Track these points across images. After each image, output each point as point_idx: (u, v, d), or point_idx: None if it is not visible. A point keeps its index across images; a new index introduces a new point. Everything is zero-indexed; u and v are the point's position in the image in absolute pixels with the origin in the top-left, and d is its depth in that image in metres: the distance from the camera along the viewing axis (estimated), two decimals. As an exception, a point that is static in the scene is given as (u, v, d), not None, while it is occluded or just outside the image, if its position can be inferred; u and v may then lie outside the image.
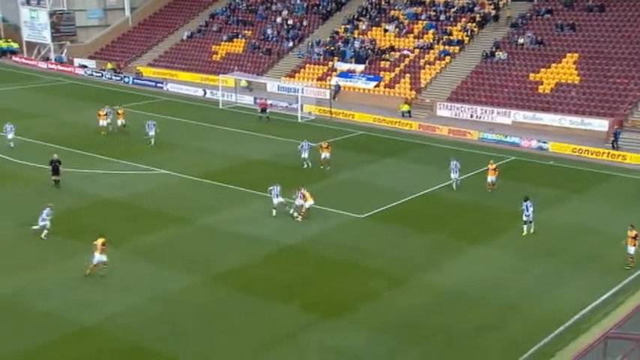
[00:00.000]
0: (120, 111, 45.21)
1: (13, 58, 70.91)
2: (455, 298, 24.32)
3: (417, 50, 58.97)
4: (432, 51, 58.34)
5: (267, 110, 49.62)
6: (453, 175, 35.11)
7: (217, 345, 21.09)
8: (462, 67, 56.09)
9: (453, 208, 33.14)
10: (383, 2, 65.77)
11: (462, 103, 52.06)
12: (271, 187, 31.27)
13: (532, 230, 29.64)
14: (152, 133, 40.63)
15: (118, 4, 75.06)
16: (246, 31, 67.65)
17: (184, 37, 69.46)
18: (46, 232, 27.80)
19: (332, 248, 28.28)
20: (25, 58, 70.28)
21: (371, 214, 31.97)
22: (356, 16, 65.25)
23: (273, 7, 70.18)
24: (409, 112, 51.96)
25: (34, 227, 27.60)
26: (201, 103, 55.49)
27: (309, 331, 21.96)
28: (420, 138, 46.83)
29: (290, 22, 67.38)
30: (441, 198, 34.67)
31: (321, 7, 68.27)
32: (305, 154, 38.32)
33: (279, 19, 68.11)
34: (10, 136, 40.39)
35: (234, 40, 66.91)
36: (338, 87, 57.04)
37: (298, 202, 31.04)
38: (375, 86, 56.82)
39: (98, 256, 24.69)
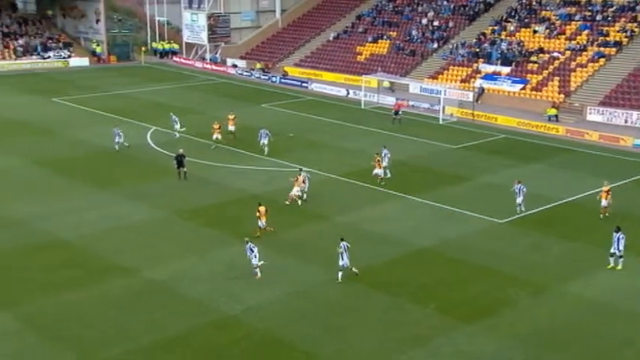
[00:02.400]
0: (231, 116, 43.21)
1: (174, 58, 75.46)
2: (599, 310, 23.08)
3: (568, 52, 56.27)
4: (584, 53, 55.44)
5: (401, 112, 49.22)
6: (518, 200, 31.28)
7: (352, 342, 21.25)
8: (618, 69, 52.85)
9: (598, 216, 31.29)
10: (534, 3, 63.38)
11: (616, 108, 49.04)
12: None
13: (619, 266, 26.03)
14: (265, 141, 39.63)
15: (270, 7, 77.70)
16: (391, 33, 67.66)
17: (330, 38, 70.62)
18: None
19: (470, 252, 27.65)
20: (184, 58, 74.51)
21: (511, 220, 30.93)
22: (504, 17, 63.34)
23: (419, 9, 69.69)
24: (556, 116, 49.73)
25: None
26: (344, 102, 56.17)
27: (444, 335, 21.62)
28: (567, 143, 44.67)
29: (436, 23, 66.60)
30: (586, 206, 32.87)
31: (468, 8, 66.93)
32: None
33: (424, 21, 67.52)
34: (177, 126, 43.43)
35: (379, 41, 67.12)
36: (482, 89, 55.65)
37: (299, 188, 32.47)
38: (521, 89, 54.86)
39: (261, 222, 27.88)
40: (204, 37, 73.09)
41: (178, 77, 65.91)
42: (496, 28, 62.39)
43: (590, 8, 59.73)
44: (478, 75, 57.74)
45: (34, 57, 69.03)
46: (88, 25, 74.36)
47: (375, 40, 67.30)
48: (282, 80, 64.25)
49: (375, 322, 22.38)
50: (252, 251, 24.78)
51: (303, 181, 32.61)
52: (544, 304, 23.67)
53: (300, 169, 33.66)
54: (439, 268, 26.34)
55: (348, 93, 58.63)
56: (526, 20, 61.71)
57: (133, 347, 20.81)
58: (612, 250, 26.20)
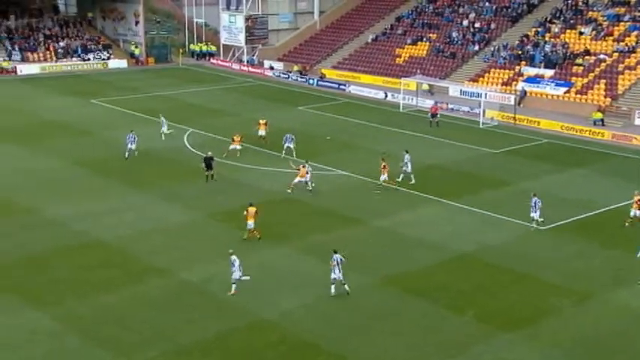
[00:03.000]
0: (262, 121, 42.87)
1: (211, 60, 76.31)
2: (645, 321, 22.59)
3: (615, 54, 55.27)
4: (633, 55, 54.39)
5: (438, 115, 48.91)
6: (533, 214, 29.92)
7: (387, 348, 21.22)
8: (668, 72, 51.77)
9: (624, 224, 30.61)
10: (580, 3, 62.42)
11: (665, 112, 48.00)
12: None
13: None
14: (291, 145, 39.31)
15: (308, 8, 77.99)
16: (430, 34, 67.34)
17: (369, 40, 70.58)
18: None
19: (510, 259, 27.37)
20: (221, 60, 75.29)
21: (553, 226, 30.52)
22: (548, 19, 62.51)
23: (460, 10, 69.20)
24: (602, 120, 48.89)
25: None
26: (382, 105, 56.07)
27: (483, 343, 21.44)
28: (614, 148, 43.88)
29: (477, 24, 66.08)
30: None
31: (510, 10, 66.24)
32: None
33: (465, 22, 67.04)
34: (164, 128, 43.58)
35: (419, 43, 66.86)
36: (524, 92, 54.99)
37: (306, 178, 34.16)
38: (565, 92, 54.07)
39: (250, 223, 28.03)
40: (241, 38, 73.75)
41: (215, 79, 66.62)
42: (540, 29, 61.62)
43: (639, 8, 58.59)
44: (520, 78, 57.08)
45: (74, 59, 70.52)
46: (127, 27, 75.67)
47: (414, 42, 67.06)
48: (320, 83, 64.44)
49: (412, 328, 22.30)
50: (233, 265, 23.96)
51: (307, 173, 34.16)
52: (587, 313, 23.32)
53: (306, 162, 35.36)
54: (478, 274, 26.12)
55: (386, 96, 58.52)
56: (571, 21, 60.81)
57: (170, 348, 21.10)
58: None
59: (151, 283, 25.06)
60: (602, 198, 34.05)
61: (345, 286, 24.13)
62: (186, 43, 79.16)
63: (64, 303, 23.17)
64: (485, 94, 52.17)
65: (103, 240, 28.63)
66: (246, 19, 72.87)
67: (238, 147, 39.75)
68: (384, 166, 34.39)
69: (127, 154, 38.89)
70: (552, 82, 55.26)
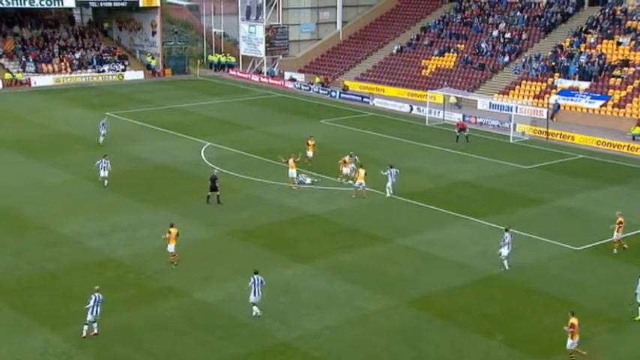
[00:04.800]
0: (311, 142, 42.03)
1: (230, 71, 76.95)
2: (686, 351, 22.19)
3: (655, 65, 54.84)
4: (673, 66, 53.93)
5: (467, 130, 48.49)
6: (504, 252, 28.00)
7: (411, 373, 21.09)
8: None
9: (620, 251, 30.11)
10: (618, 12, 62.04)
11: None
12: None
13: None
14: (307, 181, 38.22)
15: (331, 18, 78.38)
16: (458, 45, 67.35)
17: (394, 51, 70.75)
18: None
19: (542, 281, 27.12)
20: (240, 72, 75.89)
21: (589, 247, 30.21)
22: (584, 28, 62.21)
23: (490, 20, 69.15)
24: (641, 135, 48.45)
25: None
26: (408, 119, 56.04)
27: (512, 370, 21.22)
28: (653, 165, 43.41)
29: (507, 35, 65.96)
30: (674, 234, 31.83)
31: (543, 19, 66.03)
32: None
33: (495, 32, 66.96)
34: (103, 132, 45.84)
35: (446, 54, 66.88)
36: (557, 106, 54.69)
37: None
38: (602, 106, 53.67)
39: (172, 246, 27.78)
40: (261, 49, 74.31)
41: (234, 91, 67.13)
42: (575, 39, 61.31)
43: (680, 18, 58.20)
44: (553, 90, 56.79)
45: (89, 70, 71.53)
46: (143, 37, 76.62)
47: (441, 54, 67.07)
48: (343, 95, 64.63)
49: (439, 353, 22.14)
50: (93, 303, 22.63)
51: (352, 163, 36.91)
52: (623, 341, 22.99)
53: (350, 154, 37.86)
54: (508, 297, 25.90)
55: (412, 109, 58.50)
56: (609, 31, 60.45)
57: (183, 371, 21.15)
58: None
59: (165, 302, 25.18)
60: (640, 217, 33.64)
61: (256, 308, 23.94)
62: (205, 54, 79.96)
63: (76, 323, 23.35)
64: (516, 108, 51.97)
65: (117, 258, 28.86)
66: (266, 30, 73.44)
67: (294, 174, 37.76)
68: (344, 161, 37.92)
69: (105, 182, 37.30)
70: (588, 94, 54.90)
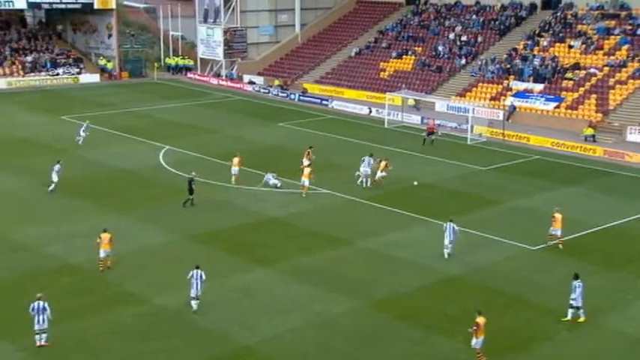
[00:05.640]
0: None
1: (188, 74, 76.31)
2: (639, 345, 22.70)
3: (606, 68, 56.09)
4: (624, 69, 55.23)
5: (435, 134, 48.96)
6: (446, 241, 29.31)
7: (374, 375, 21.14)
8: (660, 86, 52.58)
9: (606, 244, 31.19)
10: (569, 16, 63.30)
11: (658, 128, 48.66)
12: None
13: (580, 318, 24.24)
14: (276, 181, 38.32)
15: (289, 21, 78.35)
16: (416, 48, 67.93)
17: (352, 54, 71.04)
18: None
19: (501, 281, 27.47)
20: (199, 75, 75.33)
21: (546, 247, 30.67)
22: (537, 32, 63.33)
23: (447, 23, 69.91)
24: (593, 136, 49.48)
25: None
26: (367, 121, 56.31)
27: (473, 370, 21.41)
28: (606, 165, 44.36)
29: (464, 38, 66.77)
30: (627, 233, 32.57)
31: (498, 22, 67.03)
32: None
33: (452, 35, 67.72)
34: (83, 134, 46.35)
35: (404, 57, 67.40)
36: (513, 107, 55.55)
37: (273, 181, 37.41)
38: (555, 107, 54.68)
39: (103, 251, 27.44)
40: (219, 52, 73.90)
41: (192, 94, 66.60)
42: (528, 43, 62.37)
43: (630, 22, 59.54)
44: (509, 92, 57.68)
45: (42, 73, 70.17)
46: (99, 40, 75.55)
47: (399, 56, 67.59)
48: (302, 98, 64.64)
49: (401, 354, 22.22)
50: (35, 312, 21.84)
51: (386, 166, 38.15)
52: (581, 339, 23.38)
53: (381, 160, 38.68)
54: (468, 297, 26.14)
55: (371, 111, 58.81)
56: (561, 35, 61.64)
57: (144, 379, 20.84)
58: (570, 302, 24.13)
59: (125, 309, 24.79)
60: (595, 217, 34.32)
61: (194, 303, 24.25)
62: (162, 56, 79.18)
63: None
64: (473, 110, 52.62)
65: (75, 264, 28.32)
66: (225, 32, 73.06)
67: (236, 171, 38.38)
68: (308, 153, 39.70)
69: (51, 187, 36.50)
70: (542, 96, 55.88)
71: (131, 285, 26.60)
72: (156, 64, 75.42)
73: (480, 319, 21.66)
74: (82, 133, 46.61)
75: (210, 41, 74.79)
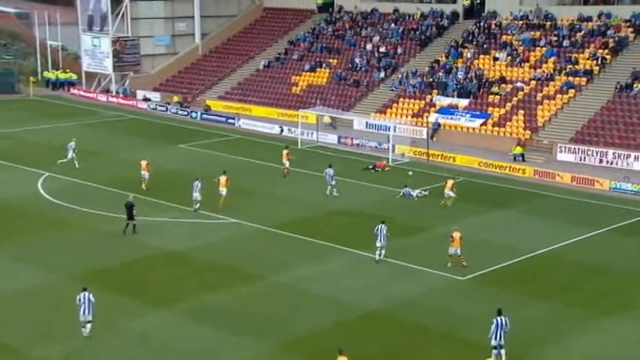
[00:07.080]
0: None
1: (71, 90, 74.67)
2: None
3: (533, 82, 58.38)
4: (552, 83, 57.63)
5: (379, 169, 48.51)
6: (378, 244, 32.26)
7: None
8: (590, 102, 55.07)
9: (576, 271, 32.35)
10: (493, 26, 65.66)
11: (590, 146, 50.91)
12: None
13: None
14: (196, 194, 38.99)
15: (188, 30, 77.91)
16: (331, 60, 68.89)
17: (260, 67, 71.37)
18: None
19: (426, 315, 27.92)
20: (84, 90, 73.89)
21: (474, 276, 31.44)
22: (460, 43, 65.37)
23: (363, 33, 71.21)
24: (522, 155, 51.24)
25: None
26: (278, 141, 56.41)
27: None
28: (536, 186, 46.00)
29: (382, 49, 68.16)
30: (562, 258, 33.79)
31: (419, 32, 68.79)
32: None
33: (369, 46, 69.05)
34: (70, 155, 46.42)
35: (318, 69, 68.20)
36: (437, 125, 56.99)
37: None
38: (482, 124, 56.42)
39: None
40: (108, 65, 72.82)
41: (77, 113, 65.26)
42: (451, 54, 64.19)
43: (556, 32, 62.16)
44: (433, 109, 59.13)
45: None
46: (-38, 50, 73.16)
47: (312, 69, 68.34)
48: (204, 116, 64.37)
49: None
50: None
51: (453, 186, 41.01)
52: (514, 375, 23.98)
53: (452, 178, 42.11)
54: (390, 333, 26.44)
55: (282, 130, 59.13)
56: (485, 46, 63.79)
57: None
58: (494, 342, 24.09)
59: (-3, 363, 23.90)
60: (527, 242, 35.42)
61: (87, 327, 24.90)
62: (39, 69, 77.26)
63: None
64: (395, 127, 53.64)
65: None
66: (114, 42, 72.12)
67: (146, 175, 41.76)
68: (287, 154, 43.78)
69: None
70: (467, 113, 57.54)
71: (5, 335, 25.67)
72: (32, 79, 73.46)
73: (342, 359, 21.90)
74: (69, 155, 46.11)
75: (96, 52, 73.61)
